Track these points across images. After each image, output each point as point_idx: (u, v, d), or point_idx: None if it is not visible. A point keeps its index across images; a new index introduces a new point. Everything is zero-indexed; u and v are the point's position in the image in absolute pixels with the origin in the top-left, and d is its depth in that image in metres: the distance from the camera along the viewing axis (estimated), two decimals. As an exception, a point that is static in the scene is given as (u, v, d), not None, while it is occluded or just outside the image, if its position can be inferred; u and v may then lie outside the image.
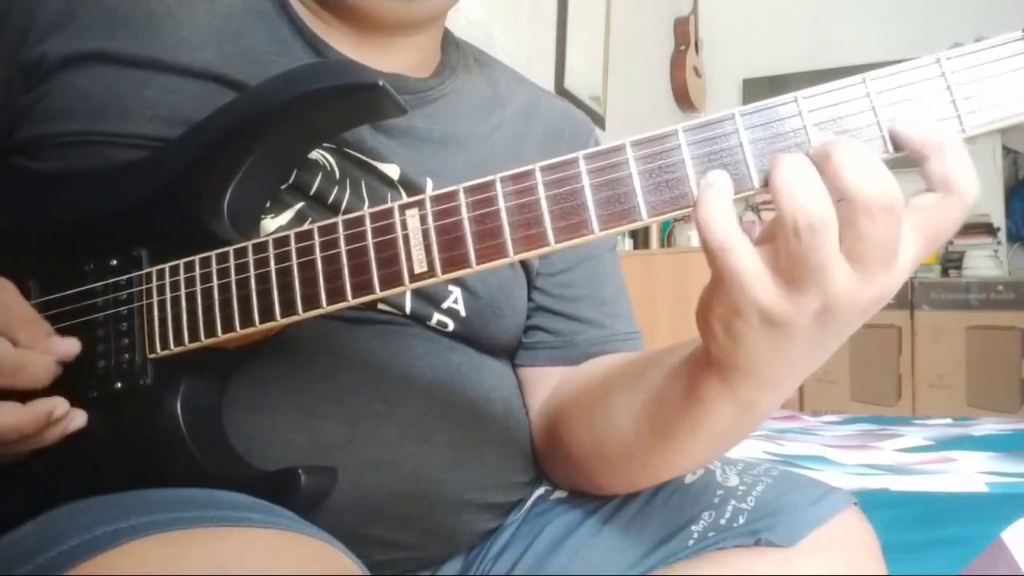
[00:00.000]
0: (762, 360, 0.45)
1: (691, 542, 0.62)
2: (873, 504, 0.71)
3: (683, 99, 3.83)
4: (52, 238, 0.60)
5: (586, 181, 0.45)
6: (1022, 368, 3.17)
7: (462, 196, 0.47)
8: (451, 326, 0.66)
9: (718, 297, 0.44)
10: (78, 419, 0.54)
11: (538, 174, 0.46)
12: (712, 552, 0.61)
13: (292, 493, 0.52)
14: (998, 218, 3.63)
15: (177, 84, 0.61)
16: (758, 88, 4.08)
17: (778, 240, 0.40)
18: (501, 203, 0.46)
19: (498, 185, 0.46)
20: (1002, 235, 3.61)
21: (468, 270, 0.47)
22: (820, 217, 0.39)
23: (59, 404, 0.53)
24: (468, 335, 0.67)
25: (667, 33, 3.82)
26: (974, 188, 0.40)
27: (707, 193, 0.42)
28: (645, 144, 0.44)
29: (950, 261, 3.57)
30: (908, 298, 3.38)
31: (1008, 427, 1.63)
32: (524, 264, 0.72)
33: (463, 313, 0.66)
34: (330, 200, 0.62)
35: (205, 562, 0.41)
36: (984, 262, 3.48)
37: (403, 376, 0.63)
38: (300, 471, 0.53)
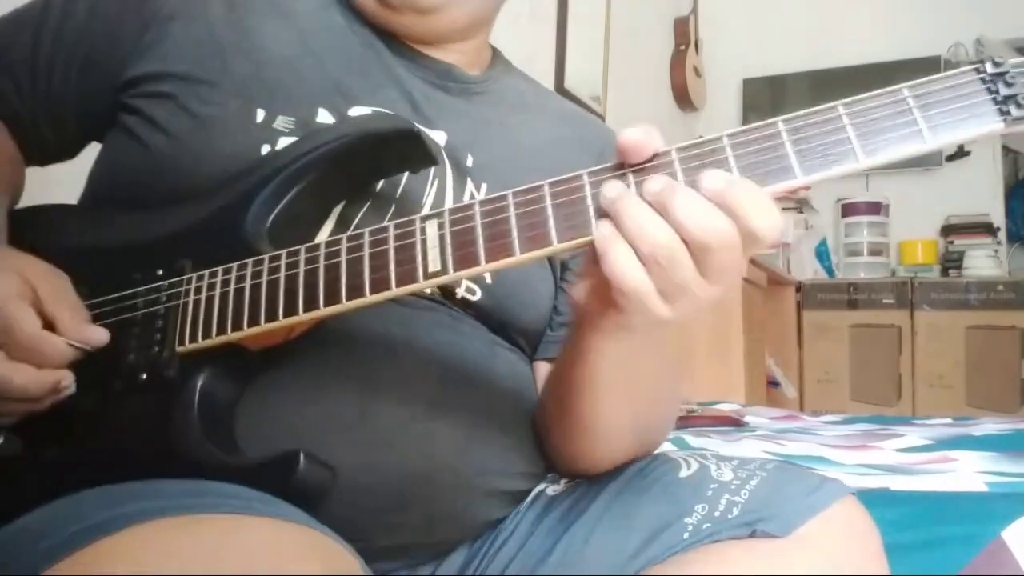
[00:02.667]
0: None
1: (686, 535, 0.62)
2: (873, 504, 0.70)
3: (683, 99, 3.83)
4: (113, 257, 0.65)
5: (588, 192, 0.50)
6: (1022, 368, 3.17)
7: (477, 207, 0.52)
8: (478, 294, 0.69)
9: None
10: (66, 392, 0.58)
11: (546, 188, 0.51)
12: (707, 545, 0.61)
13: (291, 476, 0.53)
14: (998, 218, 3.63)
15: (262, 56, 0.68)
16: (758, 88, 4.09)
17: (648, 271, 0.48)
18: (512, 211, 0.51)
19: (510, 197, 0.52)
20: (1002, 235, 3.62)
21: (478, 269, 0.51)
22: (671, 247, 0.47)
23: (66, 377, 0.57)
24: (493, 309, 0.70)
25: (667, 33, 3.82)
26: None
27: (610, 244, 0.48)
28: (644, 163, 0.50)
29: (950, 261, 3.57)
30: (908, 298, 3.38)
31: (1008, 427, 1.63)
32: (551, 262, 0.76)
33: (489, 280, 0.69)
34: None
35: (204, 547, 0.42)
36: (984, 262, 3.48)
37: (419, 359, 0.65)
38: (301, 454, 0.54)
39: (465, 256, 0.51)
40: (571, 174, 0.51)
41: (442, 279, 0.52)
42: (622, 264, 0.47)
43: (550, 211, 0.50)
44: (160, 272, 0.62)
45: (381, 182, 0.67)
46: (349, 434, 0.60)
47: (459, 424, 0.65)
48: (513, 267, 0.52)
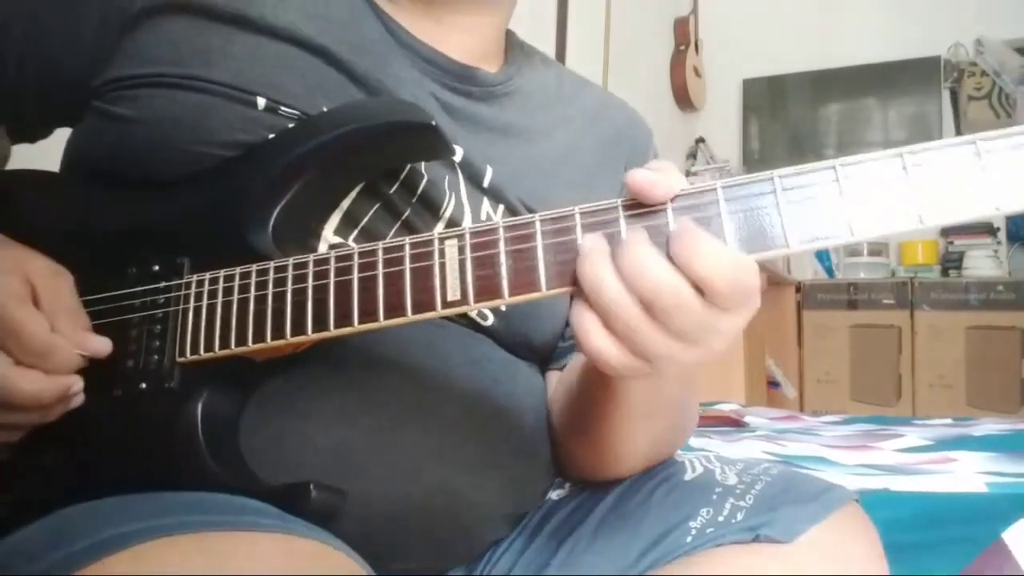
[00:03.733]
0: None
1: (689, 538, 0.62)
2: (873, 504, 0.70)
3: (683, 99, 3.83)
4: (102, 240, 0.62)
5: (622, 226, 0.47)
6: (1022, 368, 3.17)
7: (501, 231, 0.49)
8: (491, 320, 0.66)
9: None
10: (76, 400, 0.56)
11: (577, 217, 0.48)
12: (710, 549, 0.61)
13: (302, 507, 0.52)
14: (998, 218, 3.63)
15: (260, 42, 0.62)
16: (758, 88, 4.08)
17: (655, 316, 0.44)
18: (539, 239, 0.48)
19: (537, 223, 0.48)
20: (1002, 235, 3.61)
21: (500, 300, 0.48)
22: (662, 299, 0.43)
23: (76, 382, 0.55)
24: (506, 334, 0.67)
25: (667, 33, 3.82)
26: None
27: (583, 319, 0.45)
28: (685, 198, 0.47)
29: (950, 261, 3.57)
30: (908, 298, 3.38)
31: (1008, 427, 1.63)
32: None
33: (503, 307, 0.66)
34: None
35: (213, 566, 0.41)
36: (984, 262, 3.48)
37: (437, 385, 0.62)
38: (312, 486, 0.52)
39: (487, 286, 0.48)
40: (605, 203, 0.48)
41: (460, 309, 0.49)
42: (586, 334, 0.45)
43: (580, 244, 0.47)
44: (156, 268, 0.59)
45: (395, 186, 0.63)
46: (362, 463, 0.58)
47: (478, 454, 0.63)
48: (536, 300, 0.49)
